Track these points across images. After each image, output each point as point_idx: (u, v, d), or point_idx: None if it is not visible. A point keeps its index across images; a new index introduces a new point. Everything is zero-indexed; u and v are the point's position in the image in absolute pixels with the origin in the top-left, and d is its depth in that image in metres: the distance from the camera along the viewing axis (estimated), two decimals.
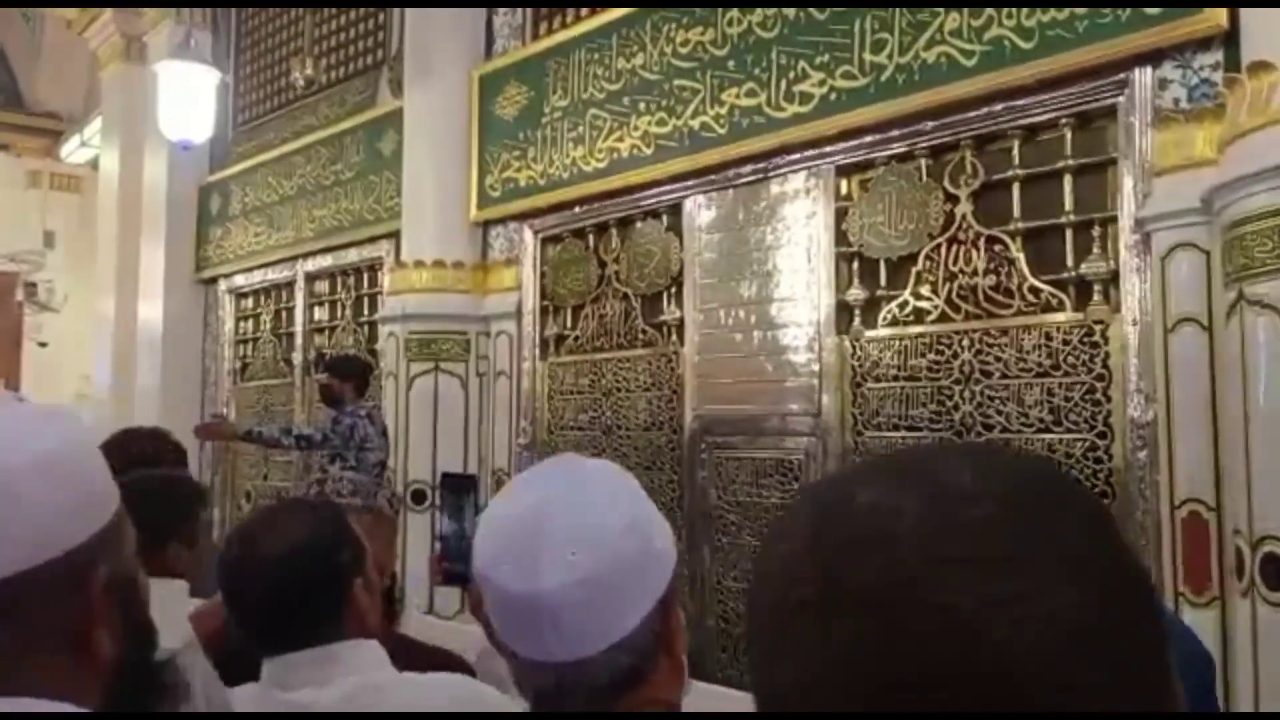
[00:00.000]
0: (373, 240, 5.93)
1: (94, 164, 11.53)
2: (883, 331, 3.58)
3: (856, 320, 3.67)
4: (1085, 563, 0.40)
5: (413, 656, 1.53)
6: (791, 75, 3.76)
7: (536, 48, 4.93)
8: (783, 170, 3.90)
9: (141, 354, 7.64)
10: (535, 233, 4.99)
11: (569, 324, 4.87)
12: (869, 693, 0.39)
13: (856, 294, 3.66)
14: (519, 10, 5.15)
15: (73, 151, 11.23)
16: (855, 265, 3.69)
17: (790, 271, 3.88)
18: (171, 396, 7.28)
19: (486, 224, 5.23)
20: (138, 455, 1.85)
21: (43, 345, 11.53)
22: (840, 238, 3.73)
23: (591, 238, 4.77)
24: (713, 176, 4.12)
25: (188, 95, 4.68)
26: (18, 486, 0.71)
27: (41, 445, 0.75)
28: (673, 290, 4.36)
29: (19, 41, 11.57)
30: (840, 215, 3.73)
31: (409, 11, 5.42)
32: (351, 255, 6.13)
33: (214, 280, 7.40)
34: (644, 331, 4.48)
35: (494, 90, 5.10)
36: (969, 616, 0.38)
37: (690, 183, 4.22)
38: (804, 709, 0.42)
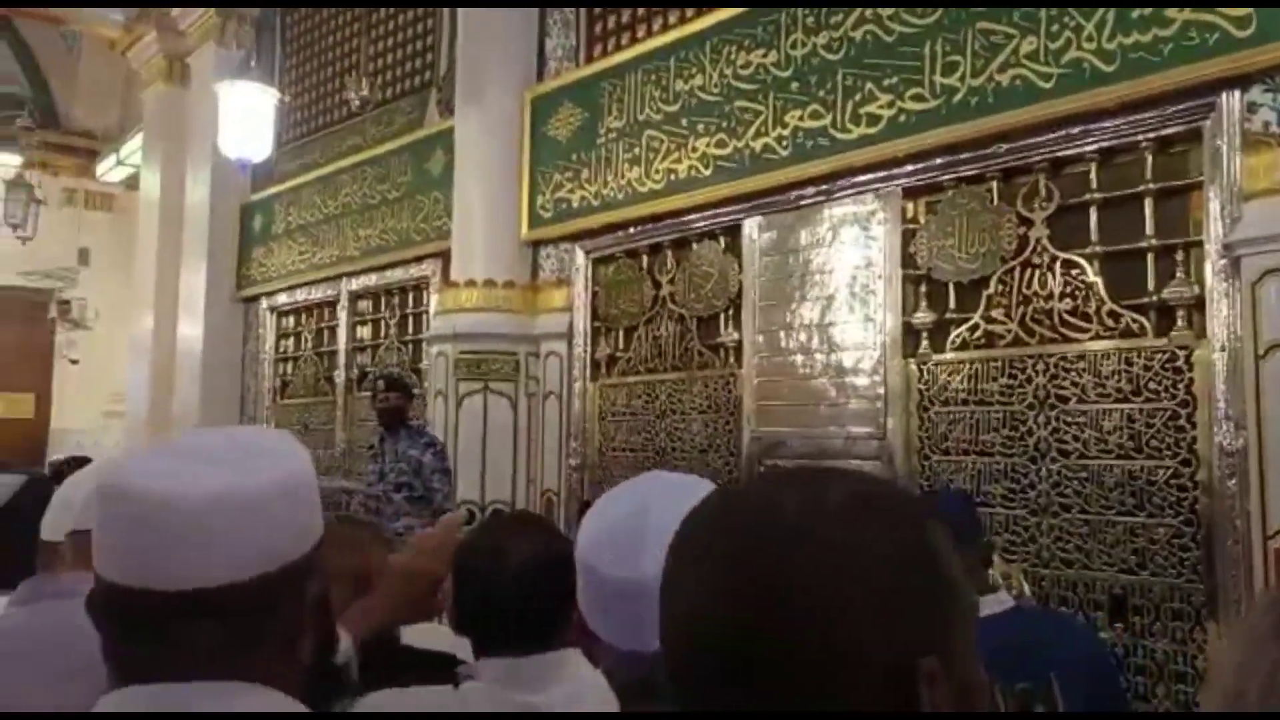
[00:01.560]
0: (419, 260, 5.94)
1: (128, 182, 11.65)
2: (951, 355, 3.54)
3: (924, 343, 3.64)
4: (898, 548, 0.57)
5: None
6: (858, 97, 3.75)
7: (591, 69, 4.95)
8: (847, 192, 3.88)
9: (180, 371, 7.67)
10: (587, 253, 4.99)
11: (621, 345, 4.86)
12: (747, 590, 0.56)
13: (924, 317, 3.63)
14: (572, 33, 5.17)
15: (108, 170, 11.33)
16: (923, 288, 3.66)
17: (854, 294, 3.85)
18: (210, 414, 7.30)
19: (537, 244, 5.23)
20: None
21: (74, 362, 11.60)
22: (907, 260, 3.70)
23: (646, 258, 4.76)
24: (774, 198, 4.11)
25: (247, 115, 4.70)
26: (265, 502, 0.79)
27: (286, 467, 0.82)
28: (730, 312, 4.34)
29: (57, 62, 11.70)
30: (907, 238, 3.71)
31: (460, 33, 5.45)
32: (397, 274, 6.14)
33: (255, 298, 7.43)
34: (700, 353, 4.46)
35: (546, 111, 5.12)
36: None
37: (750, 204, 4.21)
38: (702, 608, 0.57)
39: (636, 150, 4.64)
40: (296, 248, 6.96)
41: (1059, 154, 3.29)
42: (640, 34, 4.82)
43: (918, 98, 3.57)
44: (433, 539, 1.52)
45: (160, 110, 8.23)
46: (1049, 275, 3.31)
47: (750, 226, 4.25)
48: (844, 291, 3.89)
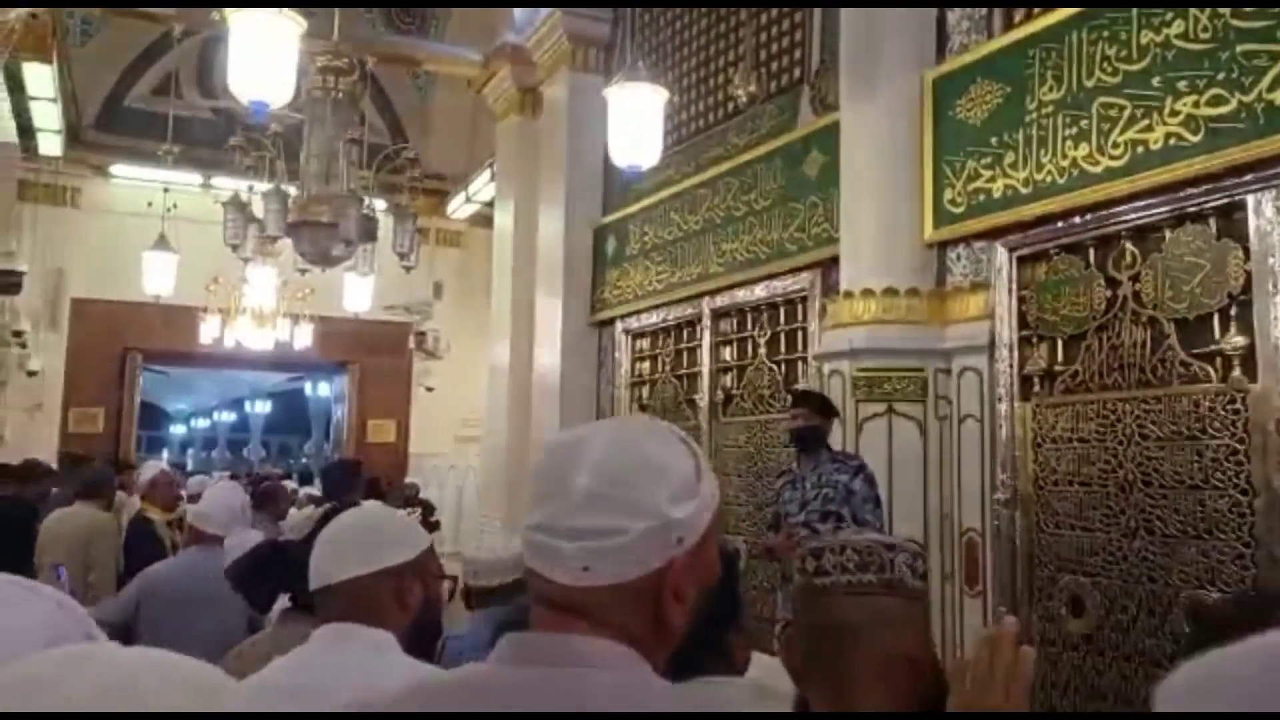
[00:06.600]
0: (794, 272, 5.47)
1: (473, 219, 12.30)
2: None
3: None
4: None
5: None
6: None
7: (1012, 38, 4.24)
8: None
9: (538, 397, 7.72)
10: (1010, 251, 4.26)
11: (1062, 357, 4.07)
12: None
13: None
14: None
15: (458, 208, 11.99)
16: None
17: None
18: None
19: (943, 245, 4.57)
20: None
21: (429, 390, 12.34)
22: None
23: (1093, 252, 3.96)
24: None
25: (635, 119, 4.46)
26: None
27: None
28: (1231, 311, 3.45)
29: (410, 108, 12.62)
30: None
31: (844, 20, 4.93)
32: (767, 289, 5.70)
33: (609, 322, 7.32)
34: (1184, 364, 3.59)
35: (953, 93, 4.46)
36: None
37: (1263, 173, 3.31)
38: None
39: (1084, 123, 3.86)
40: (653, 268, 6.74)
41: None
42: None
43: None
44: (991, 662, 1.02)
45: (513, 142, 8.43)
46: None
47: (1262, 202, 3.34)
48: None
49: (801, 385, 5.37)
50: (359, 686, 1.25)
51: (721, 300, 6.11)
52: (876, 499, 3.92)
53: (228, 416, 30.90)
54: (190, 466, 21.32)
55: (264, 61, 3.60)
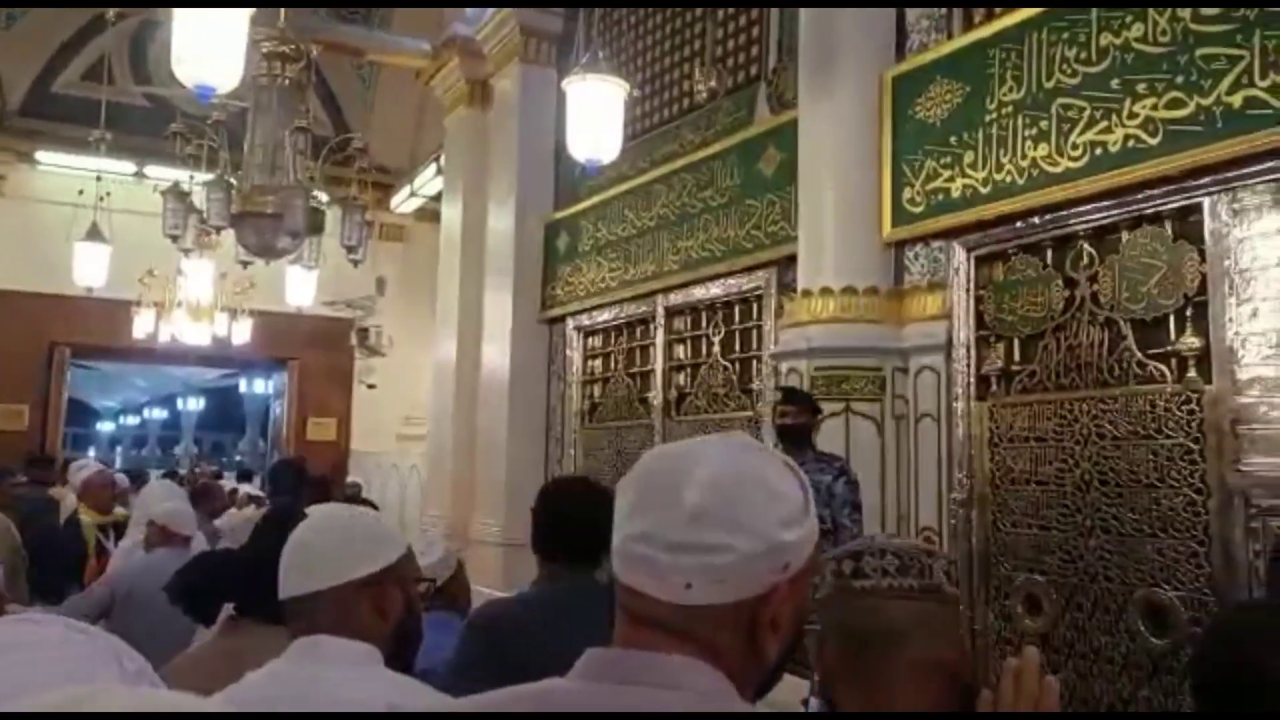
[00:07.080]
0: (749, 270, 5.44)
1: (417, 214, 12.09)
2: None
3: None
4: None
5: None
6: None
7: (973, 37, 4.25)
8: None
9: (485, 395, 7.59)
10: (969, 250, 4.27)
11: (1019, 357, 4.10)
12: None
13: None
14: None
15: (402, 202, 11.77)
16: None
17: None
18: (517, 437, 7.15)
19: (900, 244, 4.57)
20: None
21: (371, 387, 12.09)
22: None
23: (1051, 253, 3.99)
24: (1265, 165, 3.24)
25: (595, 113, 4.37)
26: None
27: None
28: (1187, 313, 3.49)
29: (353, 100, 12.34)
30: None
31: (803, 18, 4.91)
32: (721, 287, 5.67)
33: (560, 319, 7.22)
34: (1140, 365, 3.63)
35: (912, 92, 4.47)
36: None
37: (1220, 176, 3.35)
38: None
39: (1043, 124, 3.89)
40: (606, 265, 6.67)
41: None
42: None
43: None
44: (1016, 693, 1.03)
45: (462, 135, 8.28)
46: None
47: (1218, 205, 3.39)
48: None
49: (757, 384, 5.37)
50: (339, 702, 1.16)
51: (676, 298, 6.06)
52: (854, 503, 3.87)
53: (159, 414, 30.06)
54: (119, 465, 20.66)
55: (210, 45, 3.44)
